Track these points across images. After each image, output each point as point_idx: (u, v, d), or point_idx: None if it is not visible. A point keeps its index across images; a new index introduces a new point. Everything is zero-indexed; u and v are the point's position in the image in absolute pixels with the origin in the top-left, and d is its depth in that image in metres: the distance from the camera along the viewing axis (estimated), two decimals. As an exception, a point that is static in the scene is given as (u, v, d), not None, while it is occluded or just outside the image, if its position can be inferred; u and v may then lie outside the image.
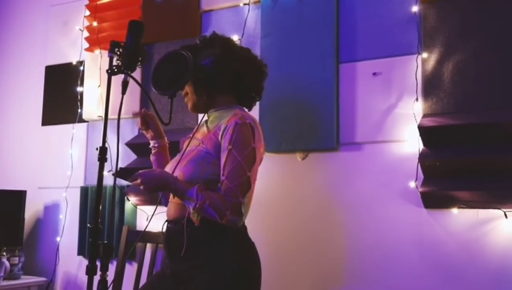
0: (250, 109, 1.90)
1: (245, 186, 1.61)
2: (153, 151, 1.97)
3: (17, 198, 3.02)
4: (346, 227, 2.27)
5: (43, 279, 3.02)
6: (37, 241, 3.19)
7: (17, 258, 2.92)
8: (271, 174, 2.42)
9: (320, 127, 2.33)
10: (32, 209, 3.18)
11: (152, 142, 1.97)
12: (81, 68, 3.12)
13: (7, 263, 2.82)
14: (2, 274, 2.77)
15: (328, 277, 2.29)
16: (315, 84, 2.36)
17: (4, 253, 2.84)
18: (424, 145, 2.12)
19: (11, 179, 3.30)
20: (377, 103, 2.26)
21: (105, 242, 1.55)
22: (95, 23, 3.05)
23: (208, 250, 1.65)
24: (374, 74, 2.28)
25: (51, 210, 3.17)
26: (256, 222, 1.99)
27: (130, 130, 2.83)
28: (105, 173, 1.70)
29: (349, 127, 2.30)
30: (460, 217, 2.06)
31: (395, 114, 2.22)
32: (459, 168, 2.04)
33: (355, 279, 2.23)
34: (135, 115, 1.93)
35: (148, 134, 1.96)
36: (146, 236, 2.44)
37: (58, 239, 3.07)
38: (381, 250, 2.19)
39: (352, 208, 2.27)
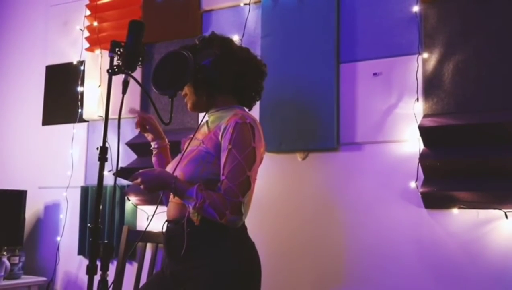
0: (250, 109, 1.90)
1: (245, 185, 1.61)
2: (153, 152, 1.98)
3: (18, 197, 3.02)
4: (346, 227, 2.27)
5: (43, 278, 3.02)
6: (38, 240, 3.19)
7: (17, 258, 2.92)
8: (271, 174, 2.42)
9: (320, 127, 2.33)
10: (32, 209, 3.18)
11: (152, 144, 1.97)
12: (82, 68, 3.12)
13: (7, 263, 2.82)
14: (2, 273, 2.77)
15: (328, 277, 2.29)
16: (316, 84, 2.36)
17: (5, 253, 2.84)
18: (425, 145, 2.12)
19: (11, 178, 3.30)
20: (378, 103, 2.26)
21: (106, 241, 1.55)
22: (95, 23, 3.05)
23: (208, 250, 1.65)
24: (375, 74, 2.28)
25: (51, 210, 3.17)
26: (256, 222, 1.99)
27: (130, 130, 2.83)
28: (106, 172, 1.70)
29: (349, 127, 2.30)
30: (460, 217, 2.06)
31: (396, 115, 2.22)
32: (459, 168, 2.04)
33: (355, 279, 2.23)
34: (131, 112, 1.93)
35: (148, 136, 1.97)
36: (146, 236, 2.44)
37: (58, 238, 3.07)
38: (381, 250, 2.19)
39: (352, 208, 2.27)
